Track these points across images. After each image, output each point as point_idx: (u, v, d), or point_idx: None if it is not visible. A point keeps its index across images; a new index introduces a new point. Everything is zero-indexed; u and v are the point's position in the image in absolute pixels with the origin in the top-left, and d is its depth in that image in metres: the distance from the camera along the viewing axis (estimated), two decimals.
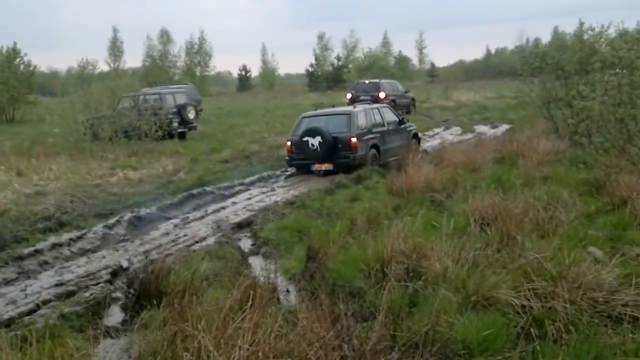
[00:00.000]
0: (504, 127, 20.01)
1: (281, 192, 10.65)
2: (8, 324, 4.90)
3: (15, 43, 34.18)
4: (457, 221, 6.41)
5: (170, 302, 4.33)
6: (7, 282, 6.13)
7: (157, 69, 64.50)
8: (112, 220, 8.62)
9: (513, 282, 4.59)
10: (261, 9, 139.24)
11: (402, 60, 74.20)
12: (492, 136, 16.66)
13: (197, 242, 7.46)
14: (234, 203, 9.87)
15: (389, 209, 7.95)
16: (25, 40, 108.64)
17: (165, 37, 69.25)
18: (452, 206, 7.68)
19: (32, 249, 7.17)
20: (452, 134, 19.43)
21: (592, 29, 16.67)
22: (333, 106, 16.01)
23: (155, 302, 4.73)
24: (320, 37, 70.54)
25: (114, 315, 5.19)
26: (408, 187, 8.95)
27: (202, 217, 8.89)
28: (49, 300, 5.43)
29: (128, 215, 8.86)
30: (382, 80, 29.48)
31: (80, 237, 7.77)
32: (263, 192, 10.69)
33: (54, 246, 7.33)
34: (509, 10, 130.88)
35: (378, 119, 13.12)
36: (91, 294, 5.53)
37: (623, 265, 4.85)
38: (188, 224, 8.54)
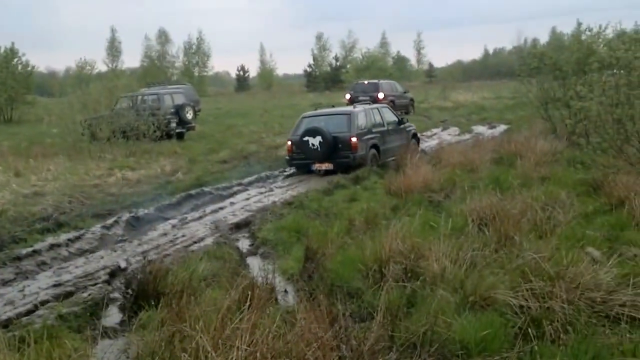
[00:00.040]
0: (502, 127, 20.03)
1: (279, 192, 10.65)
2: (6, 324, 4.89)
3: (13, 43, 34.33)
4: (455, 221, 6.43)
5: (169, 303, 4.32)
6: (5, 283, 6.12)
7: (155, 69, 64.49)
8: (110, 221, 8.61)
9: (511, 282, 4.60)
10: (259, 9, 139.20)
11: (400, 60, 74.28)
12: (490, 136, 16.67)
13: (195, 242, 7.45)
14: (232, 203, 9.87)
15: (387, 209, 7.96)
16: (24, 40, 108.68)
17: (163, 37, 69.35)
18: (450, 206, 7.68)
19: (30, 249, 7.16)
20: (450, 135, 19.44)
21: (590, 30, 16.69)
22: (333, 106, 16.08)
23: (153, 303, 4.72)
24: (319, 37, 70.73)
25: (112, 316, 5.18)
26: (406, 188, 8.96)
27: (200, 218, 8.89)
28: (47, 301, 5.42)
29: (126, 216, 8.85)
30: (381, 81, 29.51)
31: (78, 238, 7.76)
32: (261, 193, 10.69)
33: (52, 247, 7.31)
34: (507, 11, 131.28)
35: (378, 119, 13.16)
36: (89, 295, 5.52)
37: (621, 266, 4.86)
38: (186, 224, 8.54)
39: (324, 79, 64.20)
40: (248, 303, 3.82)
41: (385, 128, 13.20)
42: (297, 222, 7.63)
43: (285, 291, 5.34)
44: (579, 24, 17.71)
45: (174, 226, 8.45)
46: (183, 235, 7.83)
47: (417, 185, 9.05)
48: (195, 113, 21.62)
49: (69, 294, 5.61)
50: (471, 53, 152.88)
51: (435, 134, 19.87)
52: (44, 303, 5.37)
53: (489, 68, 69.70)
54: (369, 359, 3.51)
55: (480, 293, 4.49)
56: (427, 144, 16.42)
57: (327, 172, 11.85)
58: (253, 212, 8.90)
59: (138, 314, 4.83)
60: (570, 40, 20.29)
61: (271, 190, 10.93)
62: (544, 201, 6.99)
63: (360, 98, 22.64)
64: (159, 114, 17.98)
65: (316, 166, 12.10)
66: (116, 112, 17.85)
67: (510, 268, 4.88)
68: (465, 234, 5.86)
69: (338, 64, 66.31)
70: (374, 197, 9.12)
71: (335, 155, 11.93)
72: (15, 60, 33.82)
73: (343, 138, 11.95)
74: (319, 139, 11.84)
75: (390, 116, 13.83)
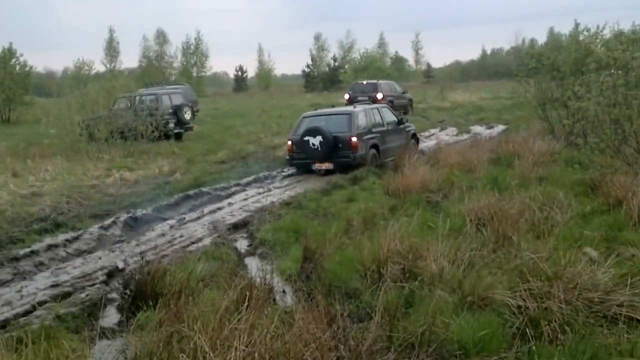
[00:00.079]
0: (500, 127, 20.05)
1: (277, 192, 10.65)
2: (3, 325, 4.89)
3: (11, 43, 34.31)
4: (453, 222, 6.44)
5: (166, 303, 4.32)
6: (3, 284, 6.11)
7: (153, 69, 64.46)
8: (108, 221, 8.60)
9: (509, 282, 4.60)
10: (258, 9, 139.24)
11: (399, 60, 74.28)
12: (488, 137, 16.67)
13: (193, 243, 7.45)
14: (230, 204, 9.86)
15: (385, 209, 7.97)
16: (21, 40, 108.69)
17: (161, 37, 69.31)
18: (448, 207, 7.69)
19: (27, 249, 7.15)
20: (448, 135, 19.45)
21: (588, 30, 16.77)
22: (333, 106, 16.14)
23: (151, 303, 4.71)
24: (317, 37, 70.75)
25: (110, 317, 5.17)
26: (404, 188, 8.97)
27: (198, 218, 8.88)
28: (45, 302, 5.42)
29: (124, 216, 8.84)
30: (380, 81, 29.48)
31: (76, 238, 7.75)
32: (259, 193, 10.69)
33: (50, 247, 7.30)
34: (505, 11, 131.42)
35: (378, 119, 13.22)
36: (87, 295, 5.52)
37: (618, 266, 4.86)
38: (184, 224, 8.54)
39: (322, 79, 64.20)
40: (246, 303, 3.82)
41: (385, 128, 13.25)
42: (296, 222, 7.64)
43: (284, 291, 5.34)
44: (577, 25, 17.71)
45: (172, 227, 8.44)
46: (181, 236, 7.83)
47: (415, 185, 9.07)
48: (193, 113, 21.59)
49: (66, 295, 5.61)
50: (469, 53, 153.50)
51: (433, 134, 19.88)
52: (41, 304, 5.37)
53: (487, 68, 69.76)
54: (367, 359, 3.51)
55: (478, 293, 4.50)
56: (426, 144, 16.43)
57: (327, 172, 11.91)
58: (251, 213, 8.89)
59: (136, 314, 4.82)
60: (568, 40, 20.34)
61: (269, 190, 10.93)
62: (542, 201, 7.00)
63: (359, 98, 22.66)
64: (157, 114, 17.94)
65: (316, 166, 12.15)
66: (114, 112, 17.81)
67: (508, 268, 4.89)
68: (463, 234, 5.87)
69: (336, 64, 66.31)
70: (372, 198, 9.13)
71: (335, 155, 12.00)
72: (13, 60, 33.76)
73: (343, 138, 12.01)
74: (319, 138, 11.90)
75: (390, 116, 13.88)
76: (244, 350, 3.31)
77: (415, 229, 6.11)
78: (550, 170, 9.80)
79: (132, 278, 5.29)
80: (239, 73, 72.35)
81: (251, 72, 74.40)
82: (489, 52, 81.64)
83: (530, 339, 3.89)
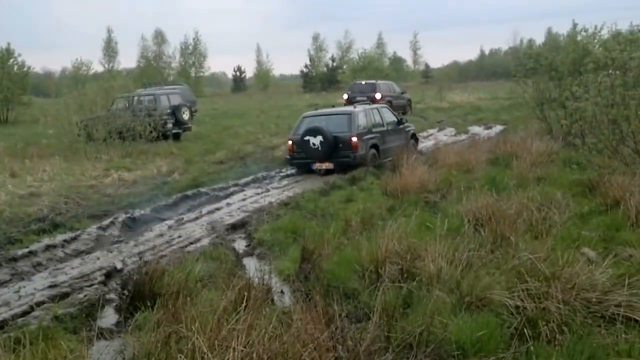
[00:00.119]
0: (498, 128, 20.08)
1: (276, 193, 10.65)
2: (1, 325, 4.88)
3: (9, 44, 34.32)
4: (451, 222, 6.44)
5: (165, 304, 4.32)
6: (1, 284, 6.10)
7: (151, 69, 64.43)
8: (106, 222, 8.59)
9: (507, 282, 4.61)
10: (256, 9, 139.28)
11: (397, 61, 74.31)
12: (486, 137, 16.69)
13: (191, 243, 7.44)
14: (228, 204, 9.86)
15: (384, 209, 7.97)
16: (19, 40, 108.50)
17: (159, 37, 69.27)
18: (446, 207, 7.70)
19: (25, 250, 7.13)
20: (446, 135, 19.47)
21: (586, 30, 16.77)
22: (333, 106, 16.16)
23: (149, 304, 4.71)
24: (315, 38, 70.74)
25: (108, 317, 5.17)
26: (402, 188, 8.97)
27: (196, 219, 8.88)
28: (43, 302, 5.41)
29: (122, 217, 8.83)
30: (379, 81, 29.47)
31: (74, 239, 7.74)
32: (257, 193, 10.69)
33: (48, 247, 7.29)
34: (503, 12, 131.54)
35: (378, 119, 13.25)
36: (85, 296, 5.51)
37: (616, 266, 4.87)
38: (182, 225, 8.53)
39: (321, 79, 64.20)
40: (244, 304, 3.82)
41: (385, 128, 13.29)
42: (294, 222, 7.63)
43: (282, 292, 5.34)
44: (575, 25, 17.66)
45: (170, 227, 8.44)
46: (179, 236, 7.83)
47: (414, 185, 9.07)
48: (191, 114, 21.60)
49: (64, 295, 5.60)
50: (467, 54, 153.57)
51: (431, 134, 19.90)
52: (39, 304, 5.36)
53: (485, 69, 69.80)
54: (365, 359, 3.51)
55: (476, 293, 4.50)
56: (424, 144, 16.44)
57: (327, 172, 11.94)
58: (249, 213, 8.89)
59: (134, 315, 4.82)
60: (566, 40, 20.30)
61: (267, 190, 10.93)
62: (540, 202, 7.01)
63: (358, 98, 22.69)
64: (155, 114, 17.95)
65: (317, 165, 12.19)
66: (112, 112, 17.80)
67: (506, 268, 4.89)
68: (461, 234, 5.87)
69: (335, 64, 66.32)
70: (370, 198, 9.13)
71: (335, 155, 12.04)
72: (11, 60, 33.77)
73: (344, 138, 12.04)
74: (319, 138, 11.94)
75: (389, 116, 13.92)
76: (242, 350, 3.31)
77: (413, 229, 6.12)
78: (548, 170, 9.81)
79: (130, 278, 5.29)
80: (238, 73, 72.38)
81: (249, 72, 74.61)
82: (487, 52, 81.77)
83: (528, 339, 3.89)
